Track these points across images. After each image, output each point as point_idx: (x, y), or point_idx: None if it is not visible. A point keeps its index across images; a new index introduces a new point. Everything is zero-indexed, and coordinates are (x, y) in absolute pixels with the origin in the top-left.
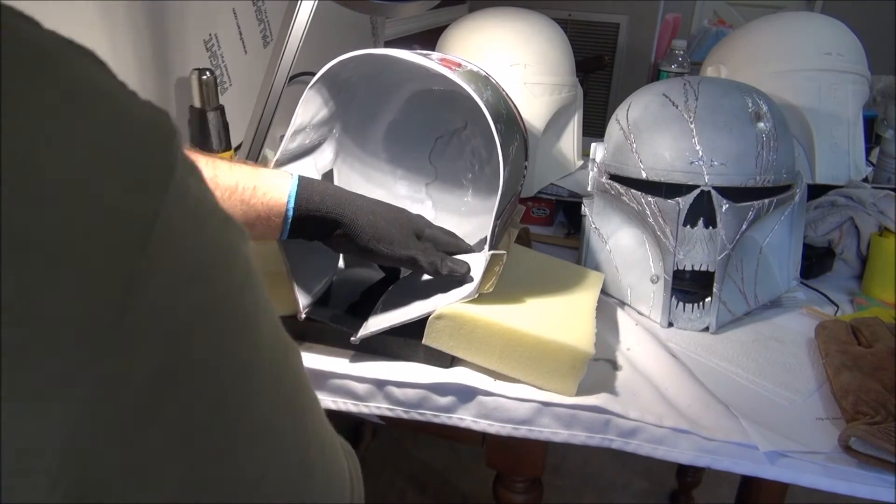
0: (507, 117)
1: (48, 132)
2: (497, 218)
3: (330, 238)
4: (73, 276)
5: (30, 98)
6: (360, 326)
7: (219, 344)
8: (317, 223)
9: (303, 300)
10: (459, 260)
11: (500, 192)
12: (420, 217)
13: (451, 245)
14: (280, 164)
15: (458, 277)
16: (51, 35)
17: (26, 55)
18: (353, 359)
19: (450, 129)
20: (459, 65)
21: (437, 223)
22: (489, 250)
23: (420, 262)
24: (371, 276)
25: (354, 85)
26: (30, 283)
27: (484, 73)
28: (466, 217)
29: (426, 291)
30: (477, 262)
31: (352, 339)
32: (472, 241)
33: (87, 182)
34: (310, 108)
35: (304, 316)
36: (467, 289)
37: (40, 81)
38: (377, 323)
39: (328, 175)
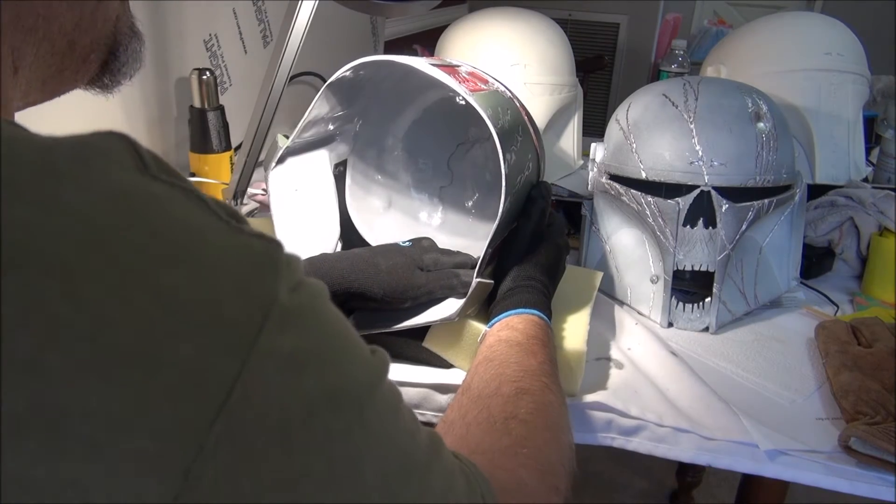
0: (522, 144)
1: (115, 284)
2: (490, 246)
3: (343, 305)
4: (132, 455)
5: (101, 252)
6: None
7: None
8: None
9: None
10: (470, 272)
11: (497, 221)
12: (414, 246)
13: (452, 264)
14: (292, 151)
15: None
16: (133, 179)
17: (107, 205)
18: None
19: (472, 138)
20: (486, 81)
21: (445, 227)
22: (476, 277)
23: (436, 294)
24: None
25: (380, 82)
26: (83, 463)
27: (509, 95)
28: (476, 225)
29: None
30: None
31: None
32: (479, 248)
33: (159, 343)
34: (327, 103)
35: None
36: (448, 311)
37: (118, 231)
38: (359, 326)
39: (342, 164)
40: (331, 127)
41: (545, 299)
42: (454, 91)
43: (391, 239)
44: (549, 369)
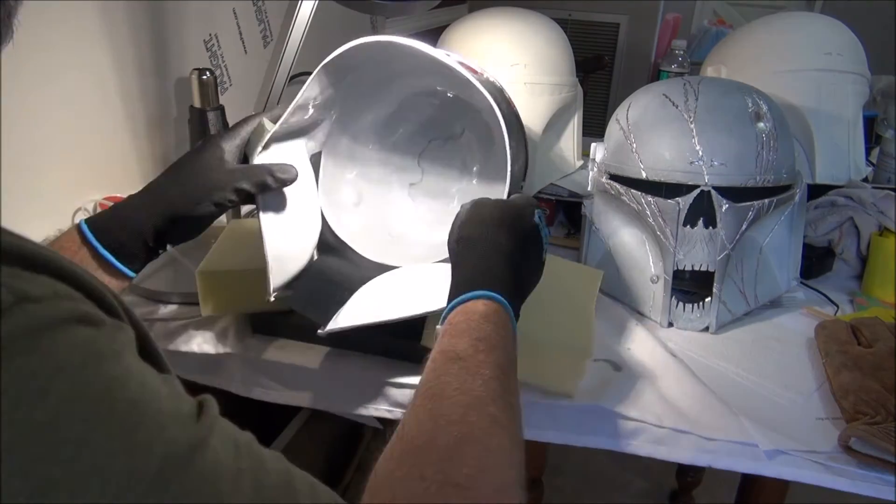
0: (517, 133)
1: None
2: None
3: (172, 231)
4: None
5: None
6: (326, 319)
7: None
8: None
9: (274, 282)
10: (286, 165)
11: (507, 186)
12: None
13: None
14: (276, 139)
15: (289, 180)
16: None
17: None
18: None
19: (444, 134)
20: (475, 72)
21: (417, 229)
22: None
23: (245, 188)
24: (339, 266)
25: (361, 72)
26: None
27: (499, 85)
28: (446, 225)
29: (402, 293)
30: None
31: (319, 331)
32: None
33: None
34: (317, 86)
35: (272, 298)
36: (438, 303)
37: None
38: (348, 319)
39: (317, 157)
40: (312, 116)
41: (500, 277)
42: (458, 75)
43: (361, 233)
44: (496, 387)
